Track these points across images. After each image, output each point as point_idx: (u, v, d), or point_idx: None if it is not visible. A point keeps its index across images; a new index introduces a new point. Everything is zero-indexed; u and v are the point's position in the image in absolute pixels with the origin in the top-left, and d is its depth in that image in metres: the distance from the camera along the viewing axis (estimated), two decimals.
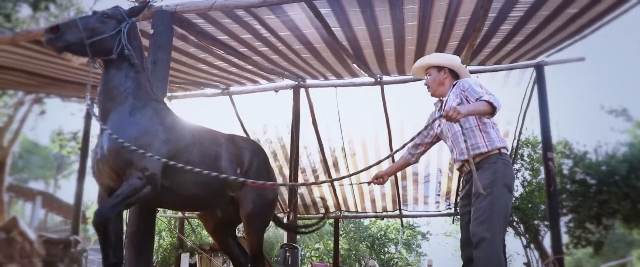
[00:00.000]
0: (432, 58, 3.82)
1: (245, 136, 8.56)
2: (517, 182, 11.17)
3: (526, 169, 11.49)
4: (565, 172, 12.23)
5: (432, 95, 3.76)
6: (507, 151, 3.47)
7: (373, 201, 10.33)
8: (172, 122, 3.89)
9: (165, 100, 4.19)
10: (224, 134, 4.46)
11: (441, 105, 3.68)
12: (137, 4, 3.89)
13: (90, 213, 14.92)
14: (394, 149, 8.42)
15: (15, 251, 6.12)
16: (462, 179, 3.65)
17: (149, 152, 3.47)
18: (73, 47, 3.53)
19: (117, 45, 3.67)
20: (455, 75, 3.70)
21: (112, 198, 3.49)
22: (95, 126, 9.96)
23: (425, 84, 3.77)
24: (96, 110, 3.78)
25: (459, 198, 3.77)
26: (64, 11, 13.91)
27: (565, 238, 11.67)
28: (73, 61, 3.75)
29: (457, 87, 3.54)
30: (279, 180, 7.54)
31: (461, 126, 3.41)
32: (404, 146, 3.56)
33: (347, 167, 9.38)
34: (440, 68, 3.70)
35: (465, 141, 3.41)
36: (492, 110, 3.27)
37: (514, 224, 11.16)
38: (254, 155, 4.44)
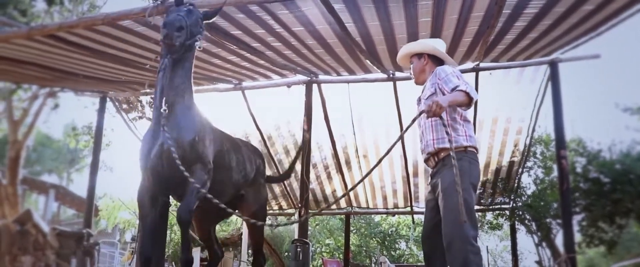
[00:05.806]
0: (411, 46, 3.79)
1: (257, 131, 8.64)
2: (529, 180, 11.09)
3: (539, 166, 11.38)
4: (579, 170, 12.10)
5: (416, 83, 3.78)
6: (475, 150, 3.42)
7: (384, 198, 10.33)
8: (211, 124, 4.31)
9: None
10: (235, 138, 5.08)
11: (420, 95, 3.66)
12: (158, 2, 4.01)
13: (102, 206, 15.01)
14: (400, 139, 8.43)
15: (29, 243, 6.17)
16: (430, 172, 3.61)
17: (206, 148, 3.90)
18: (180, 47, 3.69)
19: (192, 46, 3.89)
20: (439, 61, 3.66)
21: (188, 196, 3.75)
22: (108, 120, 10.04)
23: (410, 74, 3.79)
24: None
25: (426, 192, 3.72)
26: (78, 6, 13.97)
27: (577, 237, 11.56)
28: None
29: (434, 75, 3.49)
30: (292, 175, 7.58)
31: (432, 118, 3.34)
32: (396, 143, 3.52)
33: (359, 163, 9.37)
34: (420, 55, 3.69)
35: (431, 134, 3.41)
36: (469, 101, 3.22)
37: (526, 221, 11.07)
38: (260, 159, 5.35)
